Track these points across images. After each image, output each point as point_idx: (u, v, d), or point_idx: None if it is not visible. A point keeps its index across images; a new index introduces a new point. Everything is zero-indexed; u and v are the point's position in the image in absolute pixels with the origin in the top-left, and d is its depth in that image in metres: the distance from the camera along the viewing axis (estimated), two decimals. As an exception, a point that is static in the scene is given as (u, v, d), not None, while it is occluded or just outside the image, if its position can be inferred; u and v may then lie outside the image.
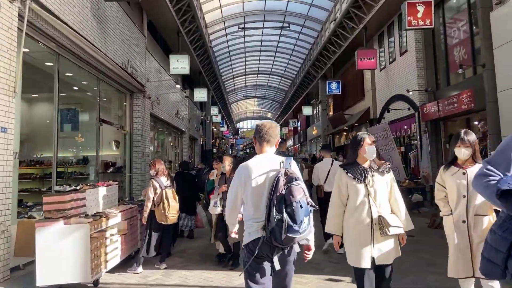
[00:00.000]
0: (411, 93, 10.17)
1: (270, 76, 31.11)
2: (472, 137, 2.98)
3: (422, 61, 10.37)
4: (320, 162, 6.11)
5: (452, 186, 3.03)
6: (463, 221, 2.96)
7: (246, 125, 66.25)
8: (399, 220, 2.88)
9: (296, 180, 2.20)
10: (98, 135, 8.41)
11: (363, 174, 2.87)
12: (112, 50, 8.14)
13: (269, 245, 2.18)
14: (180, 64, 12.67)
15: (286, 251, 2.26)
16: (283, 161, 2.31)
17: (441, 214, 3.24)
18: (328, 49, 17.47)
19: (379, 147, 11.36)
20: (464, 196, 2.94)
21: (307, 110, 25.72)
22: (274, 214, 2.11)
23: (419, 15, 8.82)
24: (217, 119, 27.97)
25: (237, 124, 58.94)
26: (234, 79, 31.20)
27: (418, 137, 10.54)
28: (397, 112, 11.60)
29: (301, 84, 25.28)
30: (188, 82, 20.17)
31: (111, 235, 4.85)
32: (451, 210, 3.06)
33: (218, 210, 4.89)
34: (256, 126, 2.56)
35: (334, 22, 15.30)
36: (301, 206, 2.11)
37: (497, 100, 7.13)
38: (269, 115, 52.56)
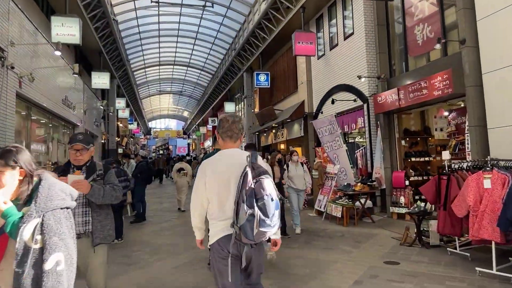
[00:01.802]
0: (363, 79, 8.63)
1: (188, 68, 28.12)
2: None
3: (373, 44, 8.94)
4: None
5: None
6: None
7: (159, 125, 61.35)
8: None
9: (264, 173, 2.11)
10: None
11: None
12: None
13: (238, 242, 2.11)
14: (66, 29, 9.27)
15: (254, 247, 2.19)
16: (249, 155, 2.18)
17: None
18: (256, 35, 15.50)
19: (324, 143, 9.66)
20: None
21: (229, 107, 23.47)
22: (245, 209, 2.01)
23: (380, -18, 7.25)
24: (124, 114, 23.96)
25: (149, 123, 53.95)
26: (146, 70, 27.42)
27: (367, 132, 9.07)
28: (341, 104, 10.05)
29: (223, 78, 23.00)
30: (86, 65, 16.27)
31: None
32: None
33: None
34: (219, 120, 2.43)
35: (266, 1, 13.36)
36: (271, 200, 2.04)
37: (481, 83, 5.78)
38: (185, 113, 49.13)
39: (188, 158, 17.34)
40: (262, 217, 1.99)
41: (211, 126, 33.22)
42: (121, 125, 24.64)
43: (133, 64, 24.17)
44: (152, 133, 53.95)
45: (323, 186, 9.03)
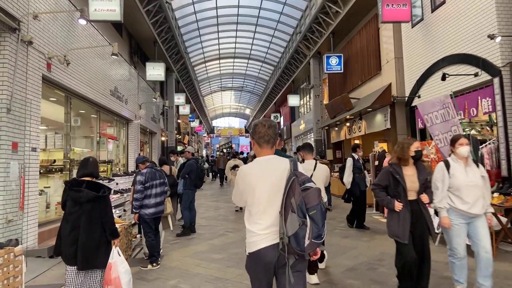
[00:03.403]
0: (499, 39, 5.86)
1: (249, 61, 26.49)
2: None
3: (510, -11, 6.11)
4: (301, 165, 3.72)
5: None
6: None
7: (222, 124, 61.25)
8: None
9: (308, 181, 2.04)
10: None
11: None
12: None
13: (283, 254, 2.00)
14: (105, 4, 7.91)
15: (298, 258, 2.05)
16: (291, 163, 2.14)
17: None
18: (327, 11, 13.11)
19: (435, 135, 7.01)
20: None
21: (293, 100, 21.34)
22: (297, 219, 1.93)
23: None
24: (184, 110, 23.09)
25: (213, 122, 53.90)
26: (207, 64, 26.38)
27: (500, 119, 6.26)
28: (452, 82, 7.31)
29: (287, 68, 20.86)
30: (142, 58, 15.31)
31: None
32: None
33: None
34: (253, 125, 2.36)
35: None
36: (321, 209, 1.96)
37: None
38: (247, 111, 48.03)
39: (242, 156, 15.60)
40: (314, 227, 1.92)
41: (273, 123, 31.28)
42: (180, 121, 23.81)
43: (192, 58, 23.19)
44: (215, 131, 53.86)
45: (432, 195, 6.44)
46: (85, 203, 3.42)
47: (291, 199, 1.96)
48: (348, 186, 6.89)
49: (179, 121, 22.78)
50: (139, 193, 4.85)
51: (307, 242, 1.91)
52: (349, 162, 6.96)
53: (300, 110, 23.50)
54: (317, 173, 4.39)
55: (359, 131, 12.67)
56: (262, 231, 2.08)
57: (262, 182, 2.11)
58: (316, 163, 4.50)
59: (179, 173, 7.83)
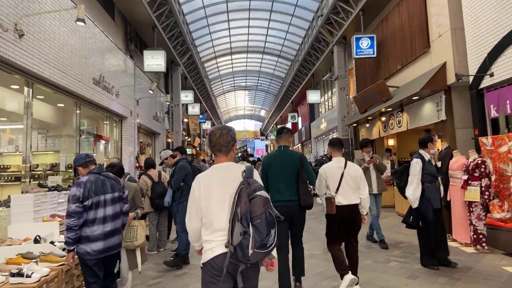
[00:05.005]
0: None
1: (264, 56, 24.43)
2: None
3: None
4: (327, 164, 4.05)
5: None
6: None
7: (236, 127, 59.38)
8: None
9: (259, 189, 2.04)
10: None
11: None
12: None
13: (233, 262, 2.00)
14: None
15: (249, 266, 2.04)
16: (244, 171, 2.13)
17: None
18: (356, -17, 10.94)
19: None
20: None
21: (313, 96, 19.12)
22: (240, 228, 1.93)
23: None
24: (194, 110, 21.20)
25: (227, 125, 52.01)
26: (217, 61, 24.45)
27: None
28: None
29: (306, 60, 18.68)
30: (140, 45, 13.46)
31: None
32: None
33: None
34: (208, 135, 2.14)
35: None
36: (267, 218, 1.95)
37: None
38: (262, 113, 45.98)
39: (252, 158, 13.55)
40: (257, 236, 1.91)
41: (290, 124, 29.15)
42: (190, 123, 21.91)
43: (202, 52, 21.30)
44: (229, 134, 51.91)
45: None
46: None
47: (238, 208, 1.96)
48: (415, 204, 4.41)
49: (186, 120, 20.89)
50: (74, 217, 2.82)
51: (250, 251, 1.89)
52: (417, 165, 4.46)
53: (320, 110, 21.28)
54: (349, 173, 3.84)
55: (399, 126, 10.38)
56: (217, 238, 2.05)
57: (217, 189, 2.10)
58: (346, 161, 3.93)
59: (172, 180, 5.76)
